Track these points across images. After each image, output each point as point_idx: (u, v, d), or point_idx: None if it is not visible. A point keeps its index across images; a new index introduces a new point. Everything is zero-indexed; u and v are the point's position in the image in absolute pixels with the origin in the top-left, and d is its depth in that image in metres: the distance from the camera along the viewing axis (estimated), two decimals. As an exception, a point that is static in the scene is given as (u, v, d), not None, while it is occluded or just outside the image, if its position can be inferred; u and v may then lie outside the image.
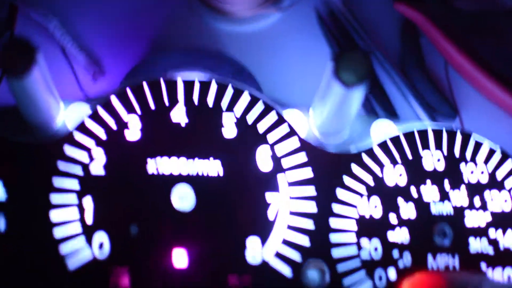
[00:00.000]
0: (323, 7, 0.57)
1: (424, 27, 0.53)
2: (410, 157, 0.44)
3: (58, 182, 0.42)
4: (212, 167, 0.43)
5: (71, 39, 0.53)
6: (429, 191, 0.44)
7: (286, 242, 0.42)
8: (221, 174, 0.43)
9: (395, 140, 0.45)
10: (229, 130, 0.44)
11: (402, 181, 0.44)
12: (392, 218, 0.43)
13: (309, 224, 0.43)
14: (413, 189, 0.44)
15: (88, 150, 0.43)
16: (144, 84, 0.44)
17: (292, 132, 0.44)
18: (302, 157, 0.44)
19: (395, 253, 0.43)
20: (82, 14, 0.56)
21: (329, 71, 0.39)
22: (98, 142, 0.43)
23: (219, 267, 0.42)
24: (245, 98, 0.44)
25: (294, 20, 0.57)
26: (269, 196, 0.43)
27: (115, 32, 0.55)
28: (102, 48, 0.54)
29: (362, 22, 0.55)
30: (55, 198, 0.42)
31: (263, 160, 0.43)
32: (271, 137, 0.44)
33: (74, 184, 0.42)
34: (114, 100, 0.44)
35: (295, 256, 0.42)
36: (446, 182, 0.44)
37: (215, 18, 0.57)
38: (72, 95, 0.46)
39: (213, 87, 0.44)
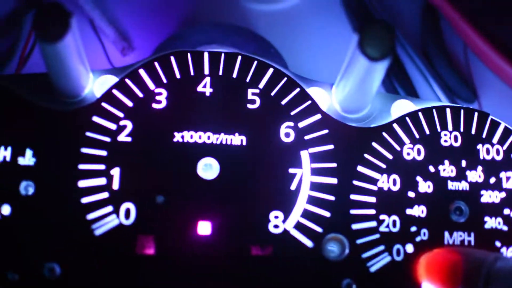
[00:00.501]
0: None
1: (444, 10, 0.54)
2: (427, 133, 0.45)
3: (86, 149, 0.43)
4: (236, 138, 0.44)
5: (101, 13, 0.54)
6: (446, 168, 0.45)
7: (307, 214, 0.44)
8: (244, 144, 0.44)
9: (414, 117, 0.46)
10: (253, 102, 0.45)
11: (420, 157, 0.45)
12: (410, 193, 0.44)
13: (330, 197, 0.44)
14: (430, 166, 0.45)
15: (115, 118, 0.44)
16: (171, 55, 0.45)
17: (315, 108, 0.45)
18: (324, 131, 0.45)
19: (413, 228, 0.44)
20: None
21: (353, 43, 0.40)
22: (125, 110, 0.44)
23: (242, 236, 0.43)
24: (269, 73, 0.45)
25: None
26: (291, 168, 0.44)
27: (144, 8, 0.56)
28: (131, 24, 0.55)
29: (385, 5, 0.56)
30: (82, 165, 0.43)
31: (286, 133, 0.44)
32: (295, 111, 0.45)
33: (101, 152, 0.43)
34: (141, 71, 0.45)
35: (316, 228, 0.43)
36: (463, 160, 0.45)
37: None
38: (101, 67, 0.46)
39: (239, 60, 0.45)
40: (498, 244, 0.44)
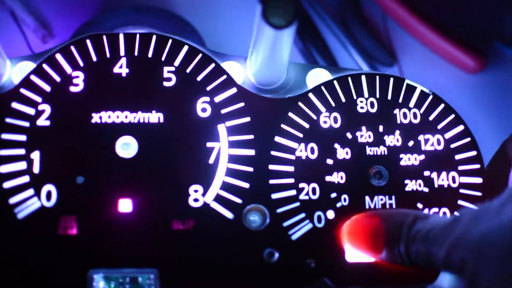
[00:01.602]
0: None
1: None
2: (343, 100, 0.46)
3: (5, 135, 0.44)
4: (153, 116, 0.45)
5: (21, 4, 0.55)
6: (363, 134, 0.46)
7: (226, 186, 0.44)
8: (162, 121, 0.45)
9: (329, 86, 0.46)
10: (169, 80, 0.45)
11: (337, 125, 0.46)
12: (329, 160, 0.45)
13: (248, 169, 0.44)
14: (348, 133, 0.46)
15: (33, 103, 0.45)
16: (87, 39, 0.46)
17: (230, 82, 0.46)
18: (240, 105, 0.45)
19: (333, 194, 0.45)
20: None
21: (257, 14, 0.40)
22: (43, 94, 0.45)
23: (163, 212, 0.44)
24: (184, 51, 0.46)
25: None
26: (209, 142, 0.45)
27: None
28: (51, 11, 0.56)
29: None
30: (2, 150, 0.44)
31: (202, 108, 0.45)
32: (210, 86, 0.45)
33: (21, 136, 0.44)
34: (58, 55, 0.45)
35: (236, 199, 0.44)
36: (380, 126, 0.46)
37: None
38: (20, 54, 0.47)
39: (154, 40, 0.46)
40: (420, 206, 0.45)
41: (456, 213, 0.41)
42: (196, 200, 0.44)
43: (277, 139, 0.45)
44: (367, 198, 0.45)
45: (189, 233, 0.43)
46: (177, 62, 0.46)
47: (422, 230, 0.39)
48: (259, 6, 0.40)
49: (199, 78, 0.46)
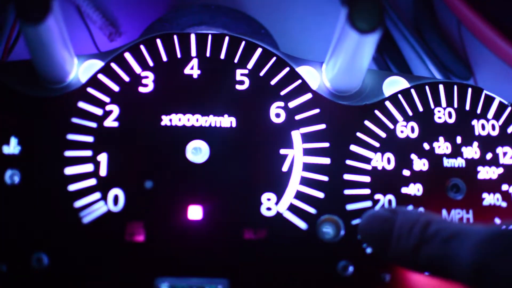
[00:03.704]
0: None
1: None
2: (421, 110, 0.45)
3: (72, 135, 0.42)
4: (225, 120, 0.43)
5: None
6: (441, 145, 0.44)
7: (300, 196, 0.42)
8: (234, 125, 0.43)
9: (406, 94, 0.45)
10: (242, 83, 0.44)
11: (414, 135, 0.44)
12: (405, 171, 0.43)
13: (323, 178, 0.43)
14: (425, 143, 0.44)
15: (101, 103, 0.43)
16: (157, 38, 0.44)
17: (305, 87, 0.44)
18: (315, 111, 0.44)
19: (409, 207, 0.43)
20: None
21: (342, 18, 0.39)
22: (111, 94, 0.43)
23: (234, 220, 0.42)
24: (258, 53, 0.44)
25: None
26: (283, 149, 0.43)
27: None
28: (119, 9, 0.54)
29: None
30: (69, 151, 0.42)
31: (276, 114, 0.43)
32: (284, 91, 0.44)
33: (88, 138, 0.42)
34: (127, 54, 0.44)
35: (310, 209, 0.42)
36: (458, 136, 0.44)
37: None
38: (87, 53, 0.45)
39: (226, 41, 0.44)
40: (497, 220, 0.43)
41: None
42: (268, 209, 0.42)
43: (353, 147, 0.44)
44: (444, 211, 0.43)
45: (261, 243, 0.42)
46: (250, 65, 0.44)
47: (442, 232, 0.35)
48: (345, 9, 0.39)
49: (273, 82, 0.44)
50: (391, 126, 0.44)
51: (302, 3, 0.56)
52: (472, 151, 0.44)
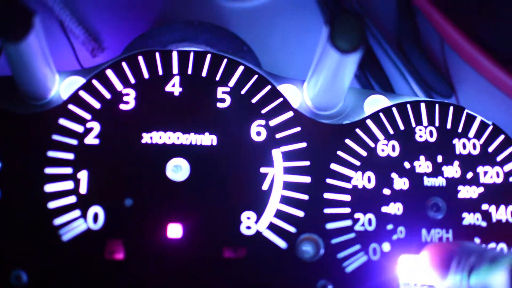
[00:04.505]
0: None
1: (420, 4, 0.53)
2: (402, 128, 0.45)
3: (52, 152, 0.42)
4: (206, 138, 0.43)
5: (70, 14, 0.53)
6: (422, 164, 0.44)
7: (280, 214, 0.43)
8: (215, 143, 0.43)
9: (388, 112, 0.45)
10: (223, 101, 0.44)
11: (395, 153, 0.44)
12: (386, 190, 0.44)
13: (303, 196, 0.43)
14: (406, 162, 0.44)
15: (82, 120, 0.43)
16: (139, 55, 0.44)
17: (286, 105, 0.44)
18: (296, 129, 0.44)
19: (389, 226, 0.43)
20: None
21: (323, 37, 0.39)
22: (92, 111, 0.43)
23: (214, 239, 0.42)
24: (239, 71, 0.44)
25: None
26: (263, 168, 0.43)
27: (115, 8, 0.55)
28: (102, 24, 0.54)
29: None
30: (49, 168, 0.42)
31: (257, 132, 0.43)
32: (265, 109, 0.44)
33: (68, 155, 0.42)
34: (109, 71, 0.44)
35: (290, 228, 0.42)
36: (439, 155, 0.44)
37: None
38: (70, 69, 0.46)
39: (208, 58, 0.44)
40: (477, 240, 0.44)
41: None
42: (248, 227, 0.42)
43: (333, 166, 0.44)
44: (423, 231, 0.43)
45: (240, 262, 0.42)
46: (231, 83, 0.44)
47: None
48: (326, 29, 0.39)
49: (254, 100, 0.44)
50: (372, 144, 0.44)
51: (284, 20, 0.56)
52: (452, 170, 0.44)
